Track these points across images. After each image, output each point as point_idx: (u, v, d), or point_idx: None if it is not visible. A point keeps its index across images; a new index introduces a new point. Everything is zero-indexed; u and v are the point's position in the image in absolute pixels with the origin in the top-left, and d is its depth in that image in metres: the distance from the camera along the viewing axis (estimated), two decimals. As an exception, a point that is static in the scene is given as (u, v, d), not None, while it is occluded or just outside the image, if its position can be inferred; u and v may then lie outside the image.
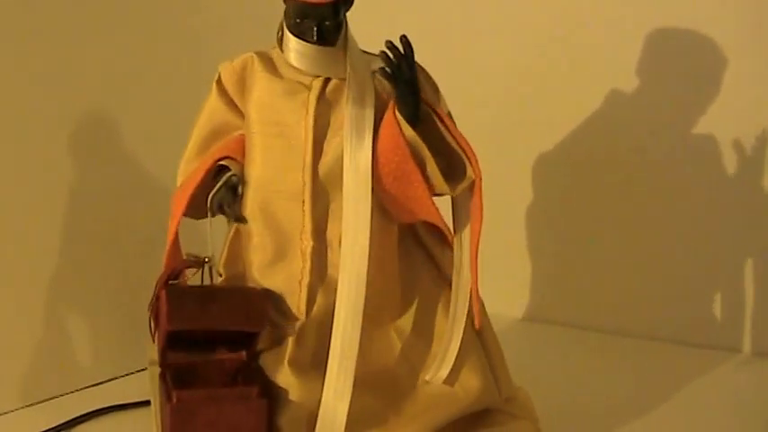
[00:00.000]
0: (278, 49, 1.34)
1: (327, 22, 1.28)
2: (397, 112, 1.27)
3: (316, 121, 1.30)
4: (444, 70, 1.40)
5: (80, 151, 1.66)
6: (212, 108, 1.38)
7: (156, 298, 1.30)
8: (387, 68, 1.25)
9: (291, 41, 1.31)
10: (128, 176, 1.74)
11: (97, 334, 1.70)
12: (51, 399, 1.61)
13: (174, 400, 1.22)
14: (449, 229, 1.36)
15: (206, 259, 1.31)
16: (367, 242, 1.27)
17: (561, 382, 1.71)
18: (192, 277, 1.34)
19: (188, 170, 1.37)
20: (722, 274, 1.90)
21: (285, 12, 1.32)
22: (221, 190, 1.33)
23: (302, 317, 1.32)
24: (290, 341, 1.31)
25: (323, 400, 1.27)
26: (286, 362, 1.30)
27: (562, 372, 1.78)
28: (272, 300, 1.33)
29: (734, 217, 1.88)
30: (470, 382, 1.35)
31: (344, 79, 1.30)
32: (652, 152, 1.93)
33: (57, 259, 1.64)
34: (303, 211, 1.31)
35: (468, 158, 1.29)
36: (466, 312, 1.35)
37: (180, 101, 1.53)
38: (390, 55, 1.24)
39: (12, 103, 1.57)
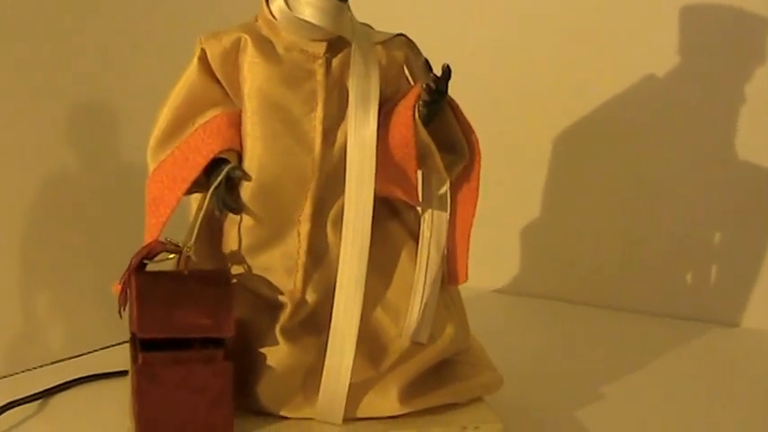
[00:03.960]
0: (266, 21, 1.29)
1: None
2: (417, 117, 1.26)
3: (325, 113, 1.28)
4: (443, 53, 1.38)
5: (54, 129, 1.65)
6: (192, 84, 1.30)
7: (128, 278, 1.27)
8: (431, 84, 1.23)
9: None
10: (107, 152, 1.72)
11: (76, 307, 1.69)
12: (29, 370, 1.61)
13: (140, 361, 1.21)
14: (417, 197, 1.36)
15: (185, 248, 1.27)
16: (370, 215, 1.26)
17: (544, 354, 1.72)
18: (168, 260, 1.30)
19: (165, 149, 1.30)
20: (709, 249, 1.89)
21: None
22: (222, 185, 1.28)
23: (299, 293, 1.32)
24: (285, 312, 1.31)
25: (326, 365, 1.27)
26: (278, 330, 1.30)
27: (545, 344, 1.78)
28: (256, 283, 1.32)
29: (723, 191, 1.88)
30: (445, 329, 1.36)
31: (345, 49, 1.28)
32: (642, 126, 1.93)
33: (34, 234, 1.63)
34: (307, 197, 1.30)
35: (471, 145, 1.30)
36: (439, 268, 1.34)
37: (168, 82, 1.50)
38: (438, 78, 1.24)
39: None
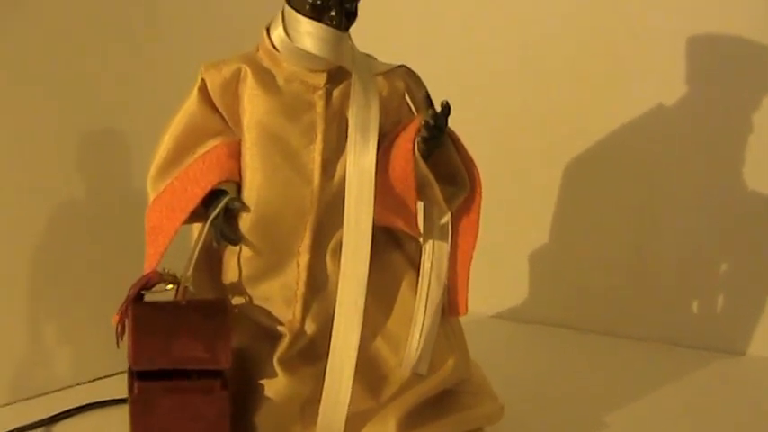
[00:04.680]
0: (267, 52, 1.29)
1: (348, 5, 1.26)
2: (416, 151, 1.27)
3: (324, 145, 1.29)
4: (447, 71, 1.39)
5: (60, 156, 1.66)
6: (192, 115, 1.31)
7: (126, 308, 1.28)
8: (430, 121, 1.24)
9: (305, 25, 1.26)
10: (111, 180, 1.74)
11: (78, 335, 1.70)
12: (32, 397, 1.61)
13: (136, 390, 1.22)
14: (419, 228, 1.36)
15: (182, 279, 1.28)
16: (368, 244, 1.26)
17: (548, 382, 1.71)
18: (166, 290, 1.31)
19: (165, 179, 1.31)
20: (715, 276, 1.88)
21: None
22: (220, 216, 1.28)
23: (297, 323, 1.32)
24: (284, 343, 1.31)
25: (324, 393, 1.27)
26: (276, 360, 1.30)
27: (550, 372, 1.77)
28: (256, 313, 1.32)
29: (729, 218, 1.87)
30: (446, 360, 1.36)
31: (346, 80, 1.28)
32: (646, 153, 1.92)
33: (40, 260, 1.64)
34: (306, 228, 1.30)
35: (471, 178, 1.31)
36: (439, 299, 1.35)
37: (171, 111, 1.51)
38: (437, 114, 1.24)
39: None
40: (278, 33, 1.29)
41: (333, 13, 1.25)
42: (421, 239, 1.37)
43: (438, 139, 1.27)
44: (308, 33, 1.26)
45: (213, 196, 1.29)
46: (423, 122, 1.25)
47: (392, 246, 1.37)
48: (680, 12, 1.86)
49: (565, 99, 1.96)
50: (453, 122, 1.29)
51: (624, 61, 1.91)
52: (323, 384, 1.28)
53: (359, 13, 1.28)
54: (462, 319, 1.41)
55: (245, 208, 1.29)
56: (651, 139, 1.91)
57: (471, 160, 1.32)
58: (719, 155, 1.86)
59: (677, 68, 1.87)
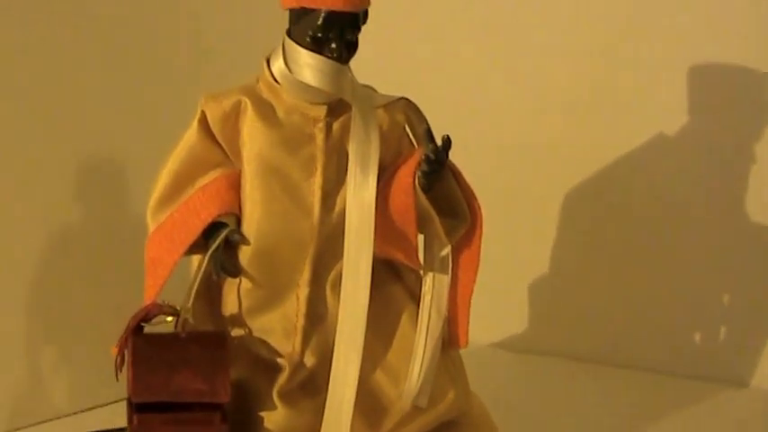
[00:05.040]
0: (267, 84, 1.29)
1: (349, 36, 1.25)
2: (417, 184, 1.27)
3: (324, 179, 1.28)
4: (447, 103, 1.39)
5: (61, 184, 1.66)
6: (192, 146, 1.30)
7: (125, 339, 1.27)
8: (431, 155, 1.24)
9: (305, 57, 1.25)
10: (111, 209, 1.74)
11: (76, 363, 1.69)
12: (30, 426, 1.61)
13: (135, 422, 1.22)
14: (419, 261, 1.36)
15: (182, 311, 1.27)
16: (368, 277, 1.26)
17: (550, 413, 1.70)
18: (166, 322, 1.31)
19: (165, 210, 1.31)
20: (718, 306, 1.88)
21: (297, 28, 1.26)
22: (220, 248, 1.28)
23: (297, 356, 1.32)
24: (284, 375, 1.30)
25: (324, 426, 1.27)
26: (275, 393, 1.30)
27: (553, 403, 1.76)
28: (255, 345, 1.32)
29: (732, 248, 1.87)
30: (446, 393, 1.35)
31: (347, 112, 1.28)
32: (646, 184, 1.92)
33: (37, 288, 1.64)
34: (305, 262, 1.30)
35: (472, 211, 1.31)
36: (440, 332, 1.34)
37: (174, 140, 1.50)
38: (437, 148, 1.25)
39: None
40: (278, 65, 1.29)
41: (333, 46, 1.24)
42: (421, 272, 1.36)
43: (438, 172, 1.27)
44: (309, 65, 1.26)
45: (213, 228, 1.28)
46: (423, 156, 1.25)
47: (392, 278, 1.37)
48: (680, 42, 1.86)
49: (566, 130, 1.96)
50: (453, 154, 1.29)
51: (625, 92, 1.91)
52: (323, 417, 1.28)
53: (359, 44, 1.28)
54: (472, 352, 1.41)
55: (244, 240, 1.29)
56: (652, 170, 1.91)
57: (472, 193, 1.32)
58: (721, 186, 1.86)
59: (678, 99, 1.87)
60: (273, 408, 1.29)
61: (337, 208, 1.29)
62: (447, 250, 1.34)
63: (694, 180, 1.88)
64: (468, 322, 1.35)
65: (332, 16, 1.23)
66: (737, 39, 1.82)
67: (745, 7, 1.83)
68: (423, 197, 1.27)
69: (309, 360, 1.32)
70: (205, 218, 1.27)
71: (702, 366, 1.88)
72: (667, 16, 1.87)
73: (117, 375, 1.29)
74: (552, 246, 2.02)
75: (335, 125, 1.29)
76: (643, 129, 1.90)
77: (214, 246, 1.27)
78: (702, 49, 1.85)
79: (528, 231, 2.02)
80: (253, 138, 1.28)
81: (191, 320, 1.28)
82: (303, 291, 1.30)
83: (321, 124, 1.29)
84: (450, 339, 1.37)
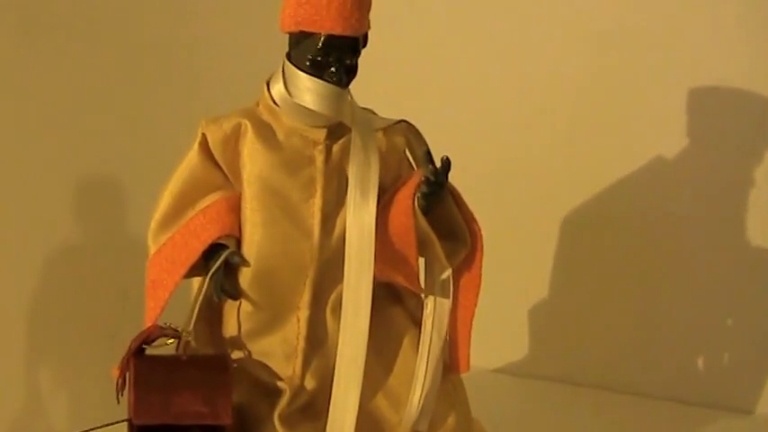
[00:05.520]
0: (267, 107, 1.30)
1: (348, 61, 1.25)
2: (416, 206, 1.27)
3: (324, 201, 1.28)
4: (447, 126, 1.39)
5: (61, 205, 1.68)
6: (192, 169, 1.30)
7: (127, 362, 1.27)
8: (431, 177, 1.24)
9: (305, 81, 1.25)
10: (111, 229, 1.75)
11: (75, 384, 1.69)
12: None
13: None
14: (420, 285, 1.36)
15: (183, 333, 1.27)
16: (369, 301, 1.26)
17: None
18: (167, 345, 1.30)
19: (165, 232, 1.30)
20: (722, 332, 1.87)
21: (296, 51, 1.26)
22: (220, 270, 1.28)
23: (297, 379, 1.31)
24: (284, 399, 1.29)
25: None
26: (276, 417, 1.29)
27: (555, 429, 1.76)
28: (256, 368, 1.31)
29: (736, 273, 1.86)
30: (447, 419, 1.35)
31: (346, 135, 1.29)
32: (649, 209, 1.92)
33: (37, 308, 1.64)
34: (305, 284, 1.29)
35: (472, 234, 1.31)
36: (440, 356, 1.34)
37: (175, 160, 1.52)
38: (436, 170, 1.25)
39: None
40: (278, 88, 1.29)
41: (333, 70, 1.24)
42: (422, 295, 1.36)
43: (438, 194, 1.27)
44: (308, 89, 1.26)
45: (213, 250, 1.28)
46: (423, 178, 1.25)
47: (393, 302, 1.36)
48: (679, 56, 1.87)
49: (567, 155, 1.97)
50: (453, 177, 1.29)
51: (626, 118, 1.92)
52: None
53: (359, 67, 1.28)
54: (474, 376, 1.40)
55: (244, 262, 1.28)
56: (655, 194, 1.91)
57: (472, 216, 1.32)
58: (725, 211, 1.86)
59: (681, 123, 1.87)
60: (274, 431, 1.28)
61: (337, 230, 1.29)
62: (448, 273, 1.33)
63: (696, 203, 1.88)
64: (469, 346, 1.35)
65: (331, 40, 1.23)
66: (737, 53, 1.83)
67: (745, 16, 1.83)
68: (422, 219, 1.27)
69: (310, 383, 1.31)
70: (205, 239, 1.27)
71: (706, 393, 1.88)
72: (669, 29, 1.88)
73: (118, 398, 1.28)
74: (552, 270, 2.02)
75: (335, 147, 1.29)
76: (646, 152, 1.91)
77: (214, 267, 1.27)
78: (701, 64, 1.85)
79: (528, 256, 2.03)
80: (253, 160, 1.28)
81: (192, 343, 1.28)
82: (303, 313, 1.30)
83: (321, 146, 1.29)
84: (450, 364, 1.36)
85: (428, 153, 1.30)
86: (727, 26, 1.83)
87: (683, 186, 1.89)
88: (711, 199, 1.87)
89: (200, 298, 1.28)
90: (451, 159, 1.29)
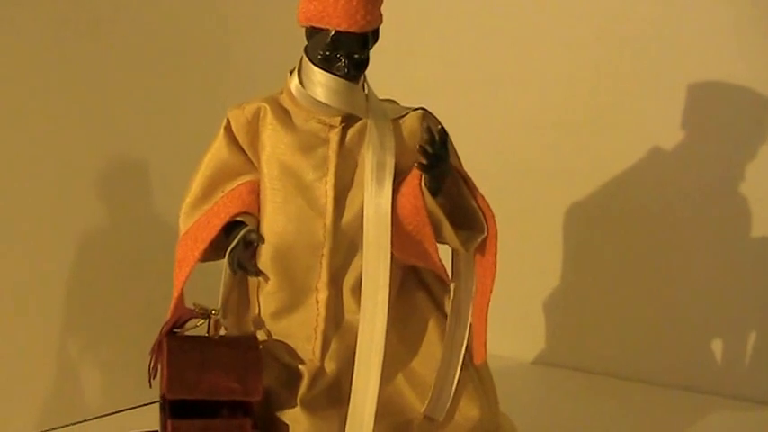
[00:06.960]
0: (289, 93, 1.33)
1: (357, 55, 1.28)
2: (423, 185, 1.28)
3: (336, 178, 1.31)
4: (461, 118, 1.40)
5: (94, 187, 1.71)
6: (219, 153, 1.35)
7: (159, 344, 1.32)
8: (427, 147, 1.25)
9: (317, 75, 1.29)
10: (142, 211, 1.78)
11: (109, 365, 1.73)
12: (62, 427, 1.64)
13: (169, 428, 1.25)
14: (446, 271, 1.37)
15: (213, 311, 1.32)
16: (387, 286, 1.28)
17: (574, 428, 1.71)
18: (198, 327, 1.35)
19: (194, 215, 1.35)
20: (739, 321, 1.88)
21: (309, 45, 1.30)
22: (239, 246, 1.32)
23: (317, 361, 1.34)
24: (304, 381, 1.33)
25: None
26: (298, 401, 1.32)
27: (575, 417, 1.77)
28: (278, 350, 1.35)
29: (750, 263, 1.87)
30: (471, 411, 1.37)
31: (362, 119, 1.31)
32: (661, 198, 1.93)
33: (71, 291, 1.67)
34: (321, 264, 1.32)
35: (486, 218, 1.31)
36: (464, 347, 1.36)
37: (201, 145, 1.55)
38: (432, 137, 1.25)
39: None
40: (294, 81, 1.33)
41: (340, 64, 1.28)
42: (448, 281, 1.38)
43: (440, 169, 1.27)
44: (320, 83, 1.29)
45: (234, 229, 1.33)
46: (419, 147, 1.26)
47: (418, 287, 1.39)
48: (680, 58, 1.87)
49: (578, 147, 1.98)
50: (468, 169, 1.32)
51: (634, 116, 1.92)
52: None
53: (370, 65, 1.31)
54: (495, 365, 1.41)
55: (261, 239, 1.32)
56: (667, 186, 1.91)
57: (486, 204, 1.33)
58: (738, 199, 1.86)
59: (688, 118, 1.88)
60: (297, 416, 1.31)
61: (352, 211, 1.31)
62: (467, 259, 1.36)
63: (708, 194, 1.88)
64: (485, 335, 1.35)
65: (339, 36, 1.27)
66: (736, 55, 1.83)
67: (744, 20, 1.83)
68: (430, 199, 1.28)
69: (330, 366, 1.34)
70: (224, 217, 1.32)
71: (721, 382, 1.88)
72: (668, 33, 1.88)
73: (150, 381, 1.33)
74: (568, 261, 2.03)
75: (351, 131, 1.32)
76: (656, 145, 1.91)
77: (233, 243, 1.32)
78: (702, 67, 1.86)
79: (544, 247, 2.04)
80: (271, 141, 1.32)
81: (222, 321, 1.32)
82: (322, 294, 1.32)
83: (337, 129, 1.32)
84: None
85: (443, 130, 1.29)
86: (727, 26, 1.83)
87: (694, 179, 1.89)
88: (722, 189, 1.87)
89: (227, 277, 1.33)
90: (466, 154, 1.33)
